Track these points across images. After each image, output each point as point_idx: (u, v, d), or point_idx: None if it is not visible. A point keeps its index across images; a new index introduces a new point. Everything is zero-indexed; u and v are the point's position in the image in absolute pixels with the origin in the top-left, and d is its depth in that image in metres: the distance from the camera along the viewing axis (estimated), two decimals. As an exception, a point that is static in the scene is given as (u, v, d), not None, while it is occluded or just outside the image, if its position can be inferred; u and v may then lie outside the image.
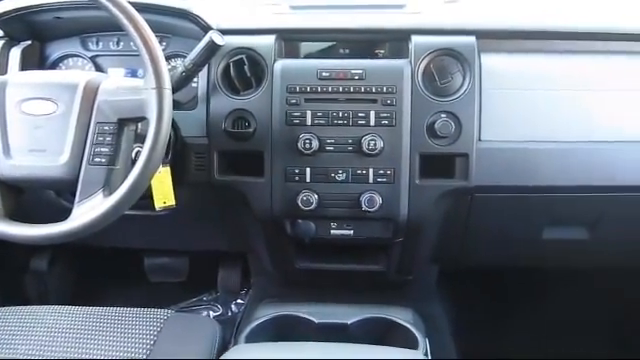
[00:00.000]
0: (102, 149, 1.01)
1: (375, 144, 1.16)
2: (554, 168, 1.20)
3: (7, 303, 1.18)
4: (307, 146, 1.17)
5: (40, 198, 1.31)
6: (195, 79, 1.21)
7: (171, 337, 1.07)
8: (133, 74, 1.34)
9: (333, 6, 1.38)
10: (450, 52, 1.19)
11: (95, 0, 0.98)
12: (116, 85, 1.04)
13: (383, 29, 1.26)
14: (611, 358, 1.62)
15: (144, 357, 1.02)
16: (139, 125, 1.06)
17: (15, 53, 1.31)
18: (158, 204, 1.16)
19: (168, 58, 1.32)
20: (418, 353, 1.07)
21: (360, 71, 1.18)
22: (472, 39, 1.20)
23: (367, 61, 1.22)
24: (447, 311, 1.56)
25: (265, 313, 1.27)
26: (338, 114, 1.18)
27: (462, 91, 1.18)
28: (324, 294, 1.36)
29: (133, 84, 1.03)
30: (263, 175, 1.21)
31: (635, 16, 1.32)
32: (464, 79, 1.18)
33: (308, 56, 1.28)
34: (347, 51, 1.29)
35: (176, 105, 1.21)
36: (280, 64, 1.20)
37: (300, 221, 1.24)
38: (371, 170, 1.18)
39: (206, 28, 1.22)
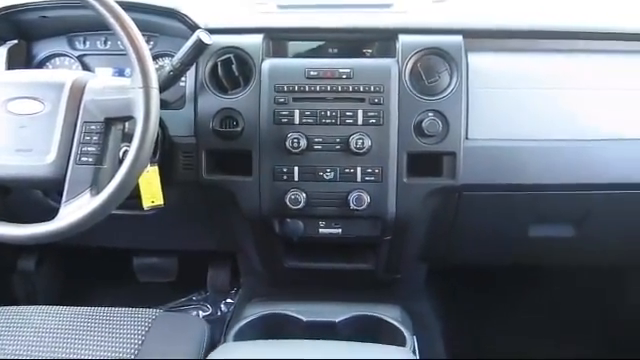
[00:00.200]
0: (89, 148, 1.00)
1: (363, 143, 1.17)
2: (540, 166, 1.21)
3: (-6, 304, 1.17)
4: (295, 145, 1.17)
5: (27, 198, 1.31)
6: (183, 78, 1.21)
7: (159, 337, 1.07)
8: (121, 73, 1.34)
9: (321, 5, 1.38)
10: (437, 51, 1.20)
11: None
12: (103, 84, 1.04)
13: (370, 28, 1.27)
14: (598, 355, 1.63)
15: (132, 357, 1.02)
16: (126, 124, 1.06)
17: (1, 52, 1.30)
18: (146, 204, 1.16)
19: (156, 57, 1.32)
20: (406, 350, 1.08)
21: (348, 70, 1.19)
22: (459, 38, 1.21)
23: (355, 60, 1.22)
24: (435, 309, 1.56)
25: (254, 312, 1.28)
26: (326, 113, 1.19)
27: (449, 90, 1.18)
28: (313, 293, 1.36)
29: (120, 83, 1.03)
30: (251, 174, 1.21)
31: (618, 15, 1.33)
32: (451, 78, 1.19)
33: (296, 55, 1.29)
34: (335, 50, 1.29)
35: (164, 104, 1.21)
36: (268, 63, 1.21)
37: (288, 220, 1.24)
38: (359, 169, 1.19)
39: (194, 27, 1.22)
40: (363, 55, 1.27)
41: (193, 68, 1.20)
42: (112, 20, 0.97)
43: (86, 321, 1.10)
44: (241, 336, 1.20)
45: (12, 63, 1.30)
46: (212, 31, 1.18)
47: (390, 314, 1.26)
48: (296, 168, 1.20)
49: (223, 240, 1.44)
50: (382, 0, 1.37)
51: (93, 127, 1.01)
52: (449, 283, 1.65)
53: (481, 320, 1.71)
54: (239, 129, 1.20)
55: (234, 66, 1.21)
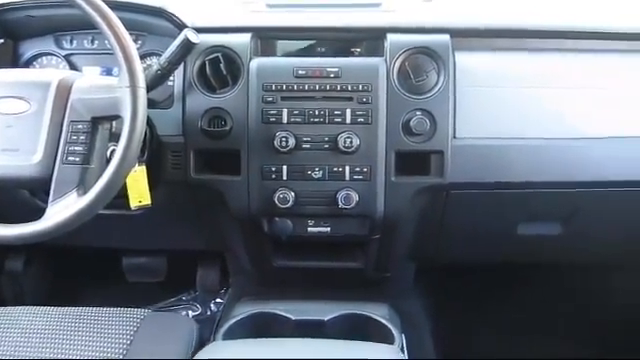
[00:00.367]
0: (76, 148, 1.00)
1: (351, 142, 1.17)
2: (527, 164, 1.21)
3: (-18, 305, 1.16)
4: (283, 144, 1.17)
5: (15, 198, 1.30)
6: (171, 77, 1.21)
7: (148, 336, 1.07)
8: (108, 73, 1.33)
9: (309, 5, 1.38)
10: (425, 50, 1.20)
11: None
12: (90, 83, 1.03)
13: (359, 28, 1.27)
14: (587, 353, 1.65)
15: (120, 357, 1.02)
16: (114, 124, 1.06)
17: (-13, 52, 1.30)
18: (134, 203, 1.16)
19: (144, 56, 1.31)
20: (394, 348, 1.08)
21: (336, 69, 1.19)
22: (446, 37, 1.21)
23: (343, 59, 1.22)
24: (425, 307, 1.57)
25: (243, 311, 1.28)
26: (314, 112, 1.19)
27: (437, 89, 1.19)
28: (302, 292, 1.36)
29: (107, 82, 1.03)
30: (240, 173, 1.21)
31: (604, 15, 1.34)
32: (439, 77, 1.19)
33: (284, 54, 1.29)
34: (323, 50, 1.29)
35: (152, 104, 1.21)
36: (256, 62, 1.20)
37: (277, 219, 1.24)
38: (347, 168, 1.19)
39: (181, 26, 1.22)
40: (351, 54, 1.28)
41: (181, 67, 1.20)
42: (99, 19, 0.97)
43: (74, 321, 1.10)
44: (230, 335, 1.20)
45: (-2, 62, 1.30)
46: (200, 30, 1.18)
47: (379, 312, 1.26)
48: (284, 167, 1.20)
49: (212, 240, 1.43)
50: (371, -1, 1.37)
51: (80, 126, 1.01)
52: (438, 281, 1.66)
53: (470, 318, 1.72)
54: (227, 128, 1.19)
55: (222, 65, 1.20)
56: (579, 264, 1.60)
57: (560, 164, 1.22)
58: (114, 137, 1.03)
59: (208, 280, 1.73)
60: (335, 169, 1.19)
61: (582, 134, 1.23)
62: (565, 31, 1.28)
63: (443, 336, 1.54)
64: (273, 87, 1.19)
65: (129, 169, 0.99)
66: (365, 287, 1.41)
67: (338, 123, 1.18)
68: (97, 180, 0.97)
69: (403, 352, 1.18)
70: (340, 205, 1.19)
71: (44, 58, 1.35)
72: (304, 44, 1.29)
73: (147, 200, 1.17)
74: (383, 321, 1.23)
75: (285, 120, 1.19)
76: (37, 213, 0.99)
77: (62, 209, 0.97)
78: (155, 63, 1.16)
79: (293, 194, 1.19)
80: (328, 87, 1.19)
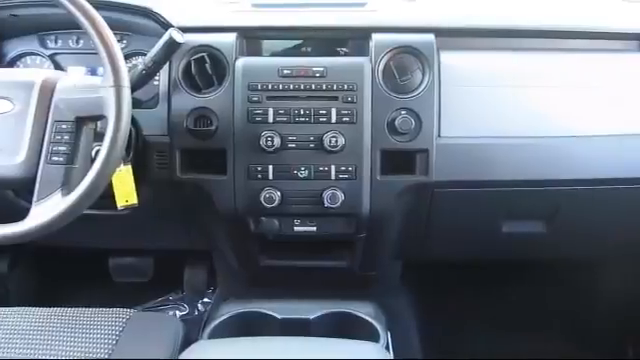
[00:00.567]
0: (60, 148, 1.00)
1: (336, 141, 1.17)
2: (511, 163, 1.22)
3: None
4: (269, 143, 1.18)
5: (-1, 198, 1.29)
6: (156, 77, 1.21)
7: (133, 336, 1.07)
8: (94, 72, 1.33)
9: (295, 4, 1.38)
10: (409, 50, 1.21)
11: None
12: (73, 83, 1.03)
13: (344, 27, 1.28)
14: (572, 349, 1.66)
15: (106, 357, 1.02)
16: (98, 124, 1.05)
17: (-29, 51, 1.29)
18: (120, 203, 1.15)
19: (129, 56, 1.31)
20: (377, 346, 1.09)
21: (321, 69, 1.19)
22: (431, 37, 1.22)
23: (328, 59, 1.23)
24: (411, 305, 1.58)
25: (229, 310, 1.28)
26: (300, 111, 1.19)
27: (421, 88, 1.20)
28: (289, 291, 1.37)
29: (91, 82, 1.03)
30: (226, 173, 1.21)
31: (587, 14, 1.35)
32: (423, 76, 1.20)
33: (270, 54, 1.29)
34: (309, 49, 1.30)
35: (137, 103, 1.21)
36: (241, 62, 1.21)
37: (263, 218, 1.25)
38: (333, 167, 1.20)
39: (166, 26, 1.22)
40: (337, 54, 1.28)
41: (166, 67, 1.20)
42: (82, 18, 0.97)
43: (59, 322, 1.10)
44: (216, 335, 1.20)
45: (-18, 62, 1.29)
46: (186, 30, 1.18)
47: (364, 310, 1.27)
48: (270, 166, 1.20)
49: (198, 239, 1.43)
50: (356, -1, 1.38)
51: (64, 126, 1.00)
52: (425, 279, 1.67)
53: (457, 315, 1.73)
54: (213, 128, 1.19)
55: (208, 65, 1.20)
56: (564, 261, 1.62)
57: (543, 162, 1.23)
58: (99, 137, 1.03)
59: (195, 280, 1.72)
60: (321, 168, 1.20)
61: (565, 132, 1.24)
62: (549, 30, 1.29)
63: (430, 333, 1.55)
64: (259, 87, 1.19)
65: (113, 169, 0.99)
66: (352, 286, 1.41)
67: (323, 122, 1.19)
68: (82, 180, 0.97)
69: (388, 350, 1.18)
70: (326, 204, 1.19)
71: (28, 58, 1.34)
72: (290, 44, 1.30)
73: (133, 200, 1.16)
74: (368, 319, 1.23)
75: (271, 119, 1.19)
76: (21, 213, 0.99)
77: (46, 209, 0.96)
78: (140, 63, 1.16)
79: (279, 193, 1.20)
80: (313, 86, 1.19)
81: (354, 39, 1.27)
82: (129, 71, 1.06)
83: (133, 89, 1.09)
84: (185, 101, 1.21)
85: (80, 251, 1.53)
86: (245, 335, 1.10)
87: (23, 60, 1.34)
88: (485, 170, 1.23)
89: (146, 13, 1.24)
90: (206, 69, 1.21)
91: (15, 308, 1.12)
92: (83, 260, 1.67)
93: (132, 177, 1.16)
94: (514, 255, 1.51)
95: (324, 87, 1.19)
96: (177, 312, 1.72)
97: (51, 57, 1.33)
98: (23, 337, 1.06)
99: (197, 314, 1.71)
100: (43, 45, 1.34)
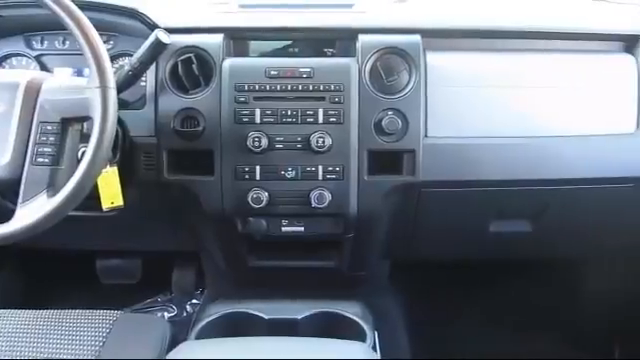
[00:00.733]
0: (45, 149, 0.99)
1: (324, 141, 1.18)
2: (497, 163, 1.23)
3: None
4: (256, 144, 1.18)
5: (-16, 200, 1.29)
6: (143, 78, 1.21)
7: (120, 338, 1.07)
8: (80, 74, 1.32)
9: (282, 5, 1.38)
10: (396, 50, 1.21)
11: None
12: (59, 84, 1.03)
13: (331, 28, 1.28)
14: (560, 347, 1.67)
15: (93, 358, 1.02)
16: (84, 125, 1.05)
17: (-44, 53, 1.28)
18: (105, 204, 1.15)
19: (115, 57, 1.31)
20: (363, 345, 1.09)
21: (308, 69, 1.20)
22: (417, 38, 1.23)
23: (315, 59, 1.23)
24: (400, 304, 1.58)
25: (216, 311, 1.28)
26: (287, 112, 1.19)
27: (408, 89, 1.20)
28: (278, 292, 1.37)
29: (76, 83, 1.03)
30: (213, 174, 1.21)
31: (571, 16, 1.37)
32: (410, 77, 1.21)
33: (257, 55, 1.29)
34: (296, 50, 1.30)
35: (124, 104, 1.21)
36: (228, 63, 1.21)
37: (251, 219, 1.25)
38: (320, 167, 1.20)
39: (153, 27, 1.21)
40: (324, 55, 1.28)
41: (153, 68, 1.20)
42: (67, 19, 0.97)
43: (46, 324, 1.09)
44: (203, 335, 1.20)
45: (-33, 63, 1.28)
46: (173, 31, 1.18)
47: (352, 310, 1.27)
48: (258, 167, 1.20)
49: (186, 240, 1.43)
50: (343, 0, 1.38)
51: (49, 127, 1.00)
52: (413, 279, 1.67)
53: (445, 314, 1.74)
54: (200, 129, 1.19)
55: (194, 65, 1.20)
56: (551, 261, 1.63)
57: (530, 162, 1.24)
58: (85, 138, 1.02)
59: (184, 281, 1.72)
60: (308, 169, 1.20)
61: (551, 132, 1.25)
62: (534, 32, 1.30)
63: (418, 333, 1.55)
64: (246, 87, 1.19)
65: (99, 170, 0.99)
66: (340, 286, 1.41)
67: (311, 123, 1.19)
68: (67, 182, 0.96)
69: (375, 349, 1.19)
70: (313, 204, 1.19)
71: (14, 59, 1.34)
72: (277, 44, 1.30)
73: (119, 201, 1.16)
74: (355, 319, 1.24)
75: (258, 120, 1.19)
76: (6, 215, 0.98)
77: (31, 211, 0.96)
78: (127, 64, 1.15)
79: (267, 194, 1.20)
80: (300, 87, 1.19)
81: (341, 40, 1.27)
82: (115, 72, 1.06)
83: (119, 90, 1.09)
84: (172, 102, 1.20)
85: (67, 253, 1.52)
86: (233, 335, 1.10)
87: (9, 61, 1.34)
88: (471, 170, 1.23)
89: (132, 14, 1.23)
90: (193, 70, 1.20)
91: (1, 310, 1.12)
92: (70, 262, 1.67)
93: (118, 178, 1.16)
94: (501, 254, 1.52)
95: (311, 88, 1.19)
96: (165, 314, 1.71)
97: (37, 58, 1.33)
98: (9, 339, 1.05)
99: (186, 315, 1.70)
100: (29, 46, 1.33)
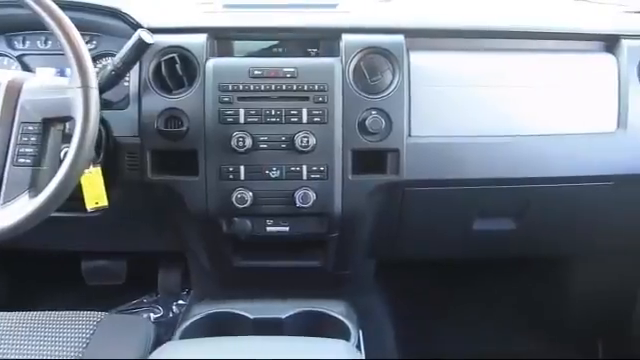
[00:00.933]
0: (26, 149, 0.99)
1: (308, 141, 1.18)
2: (480, 162, 1.24)
3: None
4: (241, 144, 1.18)
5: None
6: (126, 78, 1.20)
7: (104, 339, 1.06)
8: (63, 74, 1.30)
9: (266, 5, 1.39)
10: (379, 50, 1.22)
11: None
12: (40, 84, 1.02)
13: (314, 28, 1.28)
14: (545, 344, 1.69)
15: (76, 359, 1.01)
16: (67, 125, 1.05)
17: (-64, 53, 1.27)
18: (89, 205, 1.14)
19: (98, 57, 1.30)
20: (347, 344, 1.10)
21: (292, 69, 1.20)
22: (401, 38, 1.23)
23: (299, 59, 1.23)
24: (385, 303, 1.59)
25: (201, 311, 1.27)
26: (271, 112, 1.19)
27: (392, 88, 1.21)
28: (263, 292, 1.37)
29: (58, 83, 1.02)
30: (197, 174, 1.21)
31: (554, 16, 1.38)
32: (393, 76, 1.21)
33: (242, 55, 1.29)
34: (280, 50, 1.30)
35: (107, 104, 1.21)
36: (212, 63, 1.21)
37: (236, 219, 1.25)
38: (304, 167, 1.20)
39: (136, 26, 1.21)
40: (308, 55, 1.28)
41: (137, 68, 1.19)
42: (48, 19, 0.96)
43: (29, 326, 1.08)
44: (188, 335, 1.20)
45: (-52, 64, 1.27)
46: (155, 30, 1.18)
47: (336, 309, 1.27)
48: (242, 167, 1.20)
49: (171, 241, 1.43)
50: (328, 0, 1.38)
51: (31, 128, 0.99)
52: (399, 278, 1.68)
53: (430, 313, 1.75)
54: (184, 129, 1.19)
55: (178, 65, 1.20)
56: (534, 259, 1.64)
57: (512, 161, 1.25)
58: (67, 138, 1.02)
59: (169, 282, 1.71)
60: (292, 168, 1.20)
61: (534, 131, 1.26)
62: (517, 31, 1.31)
63: (403, 332, 1.56)
64: (229, 87, 1.19)
65: (82, 171, 0.98)
66: (325, 285, 1.42)
67: (295, 123, 1.19)
68: (49, 182, 0.96)
69: (359, 348, 1.19)
70: (298, 204, 1.20)
71: None
72: (261, 44, 1.30)
73: (104, 202, 1.15)
74: (340, 317, 1.24)
75: (242, 120, 1.19)
76: (-11, 216, 0.98)
77: (13, 212, 0.96)
78: (110, 64, 1.15)
79: (251, 194, 1.20)
80: (284, 87, 1.19)
81: (325, 40, 1.27)
82: (98, 72, 1.06)
83: (102, 90, 1.08)
84: (156, 102, 1.20)
85: (51, 254, 1.51)
86: (218, 335, 1.10)
87: None
88: (455, 169, 1.24)
89: (115, 14, 1.23)
90: (177, 70, 1.20)
91: None
92: (56, 263, 1.66)
93: (102, 179, 1.15)
94: (486, 253, 1.53)
95: (295, 87, 1.19)
96: (151, 314, 1.70)
97: (19, 58, 1.32)
98: (-9, 341, 1.05)
99: (172, 316, 1.69)
100: (10, 46, 1.32)
